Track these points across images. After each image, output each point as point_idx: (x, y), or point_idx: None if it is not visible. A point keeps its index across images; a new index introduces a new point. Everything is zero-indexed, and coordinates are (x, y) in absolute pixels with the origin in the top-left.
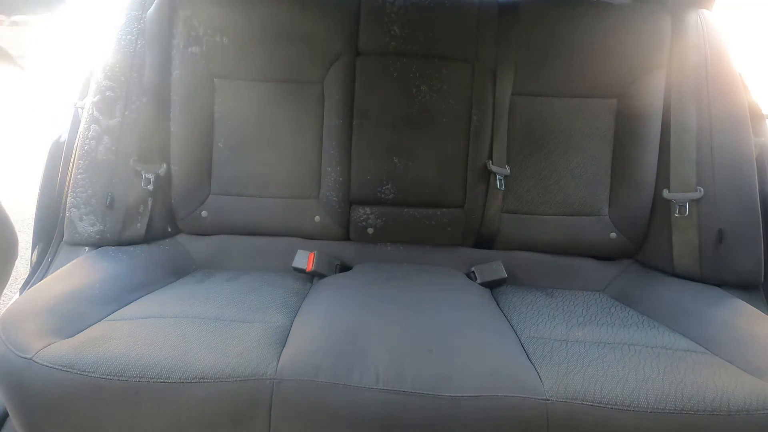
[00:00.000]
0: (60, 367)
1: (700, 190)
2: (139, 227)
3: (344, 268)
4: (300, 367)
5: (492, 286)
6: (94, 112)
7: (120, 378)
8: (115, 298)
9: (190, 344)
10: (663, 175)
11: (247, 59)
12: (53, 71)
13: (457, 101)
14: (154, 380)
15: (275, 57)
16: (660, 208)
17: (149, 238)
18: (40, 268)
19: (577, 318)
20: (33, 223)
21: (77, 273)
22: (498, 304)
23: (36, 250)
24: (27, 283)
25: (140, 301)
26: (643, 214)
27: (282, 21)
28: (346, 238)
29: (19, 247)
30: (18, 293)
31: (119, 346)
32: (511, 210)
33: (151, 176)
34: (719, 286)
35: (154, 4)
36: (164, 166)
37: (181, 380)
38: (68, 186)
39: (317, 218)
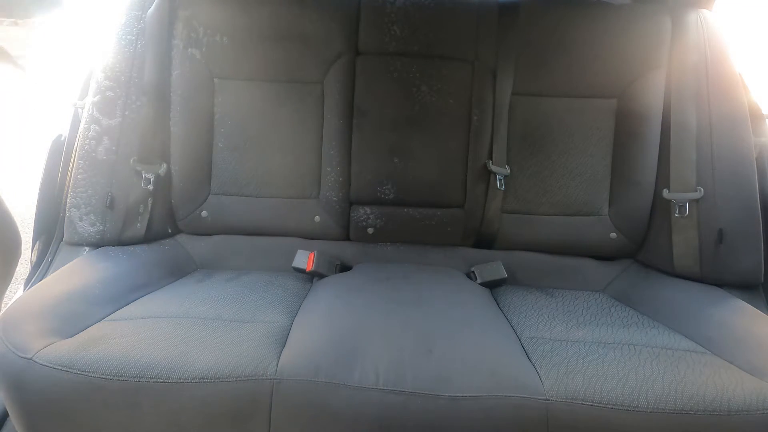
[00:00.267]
0: (60, 367)
1: (700, 190)
2: (139, 227)
3: (344, 268)
4: (300, 367)
5: (492, 286)
6: (94, 112)
7: (120, 378)
8: (115, 298)
9: (190, 344)
10: (663, 175)
11: (247, 59)
12: (53, 71)
13: (457, 101)
14: (154, 380)
15: (275, 57)
16: (660, 208)
17: (149, 238)
18: (40, 268)
19: (577, 318)
20: (33, 223)
21: (77, 273)
22: (498, 304)
23: (36, 250)
24: (27, 283)
25: (140, 301)
26: (643, 214)
27: (282, 21)
28: (346, 238)
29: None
30: (17, 293)
31: (119, 346)
32: (511, 210)
33: (151, 176)
34: (719, 286)
35: (154, 4)
36: (164, 166)
37: (181, 380)
38: (68, 186)
39: (317, 218)
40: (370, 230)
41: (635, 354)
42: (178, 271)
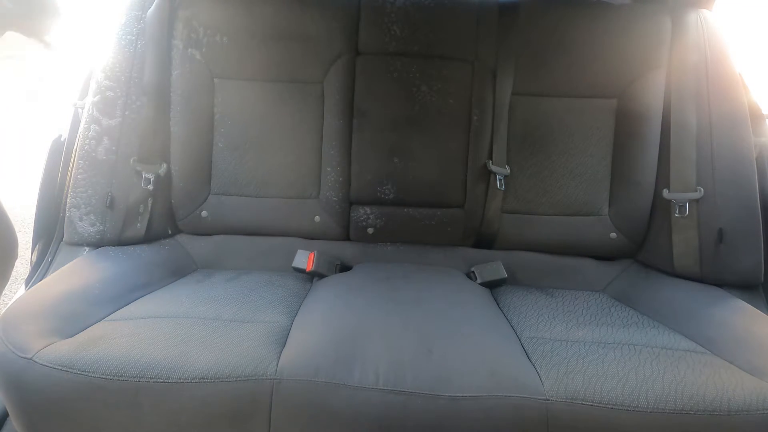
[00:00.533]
0: (60, 367)
1: (700, 190)
2: (139, 227)
3: (344, 268)
4: (300, 367)
5: (492, 286)
6: (94, 112)
7: (120, 378)
8: (115, 298)
9: (190, 344)
10: (663, 175)
11: (247, 59)
12: (53, 71)
13: (457, 101)
14: (154, 380)
15: (275, 57)
16: (660, 208)
17: (149, 238)
18: (40, 268)
19: (577, 318)
20: (33, 223)
21: (77, 273)
22: (498, 304)
23: (36, 250)
24: (27, 283)
25: (140, 301)
26: (643, 214)
27: (282, 21)
28: (346, 238)
29: (20, 248)
30: (17, 293)
31: (119, 346)
32: (511, 210)
33: (151, 176)
34: (719, 286)
35: (154, 4)
36: (164, 166)
37: (181, 380)
38: (68, 186)
39: (317, 218)
40: (370, 230)
41: (635, 354)
42: (178, 271)
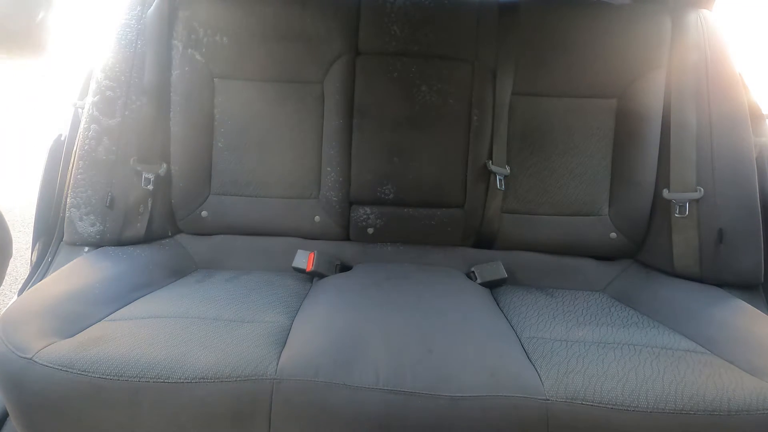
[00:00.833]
0: (60, 367)
1: (700, 190)
2: (139, 227)
3: (344, 268)
4: (300, 367)
5: (492, 286)
6: (94, 112)
7: (120, 378)
8: (115, 298)
9: (190, 344)
10: (663, 175)
11: (247, 59)
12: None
13: (457, 101)
14: (154, 380)
15: (275, 57)
16: (660, 208)
17: (149, 238)
18: (40, 268)
19: (577, 318)
20: (33, 223)
21: (77, 273)
22: (498, 304)
23: (36, 250)
24: (27, 283)
25: (140, 301)
26: (643, 214)
27: (282, 21)
28: (346, 238)
29: (20, 248)
30: (18, 293)
31: (119, 346)
32: (511, 210)
33: (151, 176)
34: (719, 286)
35: (154, 4)
36: (164, 166)
37: (181, 380)
38: (68, 186)
39: (317, 218)
40: (370, 230)
41: (635, 354)
42: (178, 271)
